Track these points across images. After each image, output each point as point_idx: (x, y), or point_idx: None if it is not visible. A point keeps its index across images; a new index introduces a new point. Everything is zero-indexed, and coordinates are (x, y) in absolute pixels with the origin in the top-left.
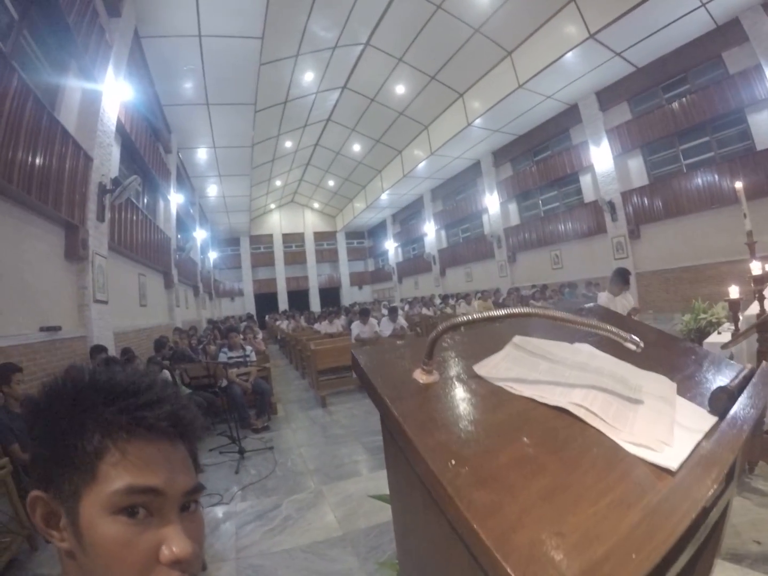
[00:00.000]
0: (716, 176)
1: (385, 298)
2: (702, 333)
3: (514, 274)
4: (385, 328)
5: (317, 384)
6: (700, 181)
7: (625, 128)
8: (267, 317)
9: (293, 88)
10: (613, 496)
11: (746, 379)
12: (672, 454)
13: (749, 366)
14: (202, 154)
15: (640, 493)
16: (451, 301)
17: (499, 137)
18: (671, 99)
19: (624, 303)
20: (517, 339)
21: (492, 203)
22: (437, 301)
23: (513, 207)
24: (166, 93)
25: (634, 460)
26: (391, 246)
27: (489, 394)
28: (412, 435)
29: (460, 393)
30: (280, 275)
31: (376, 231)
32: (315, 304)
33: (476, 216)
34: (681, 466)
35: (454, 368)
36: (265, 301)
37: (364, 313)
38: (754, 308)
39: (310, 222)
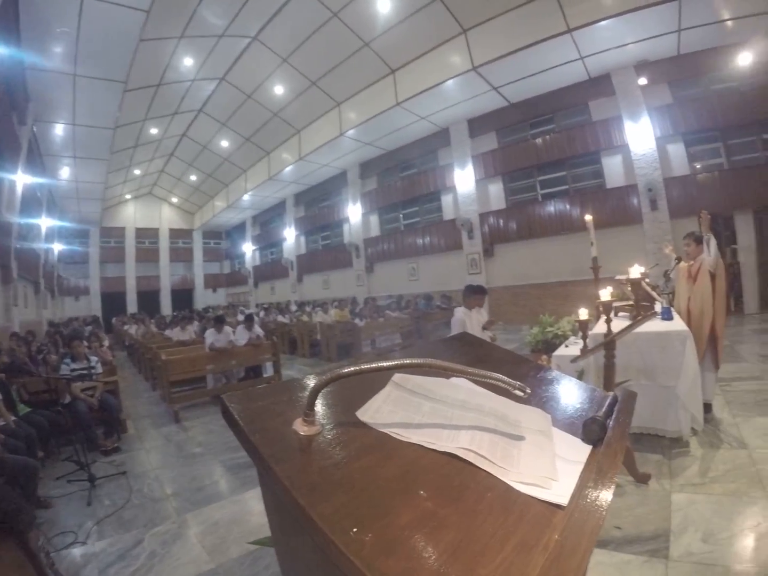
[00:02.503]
0: (568, 207)
1: (240, 303)
2: (549, 345)
3: (371, 283)
4: (241, 336)
5: (170, 397)
6: (553, 209)
7: (491, 156)
8: (114, 320)
9: (169, 72)
10: (515, 540)
11: (611, 406)
12: (560, 490)
13: (611, 393)
14: (59, 131)
15: (539, 533)
16: (308, 309)
17: (369, 150)
18: (536, 135)
19: (478, 317)
20: (397, 377)
21: (354, 213)
22: (293, 308)
23: (374, 219)
24: (32, 53)
25: (527, 500)
26: (249, 249)
27: (376, 444)
28: (305, 503)
29: (346, 445)
30: (131, 273)
31: (235, 232)
32: (166, 307)
33: (338, 224)
34: (570, 500)
35: (336, 415)
36: (113, 301)
37: (218, 321)
38: (600, 327)
39: (166, 217)
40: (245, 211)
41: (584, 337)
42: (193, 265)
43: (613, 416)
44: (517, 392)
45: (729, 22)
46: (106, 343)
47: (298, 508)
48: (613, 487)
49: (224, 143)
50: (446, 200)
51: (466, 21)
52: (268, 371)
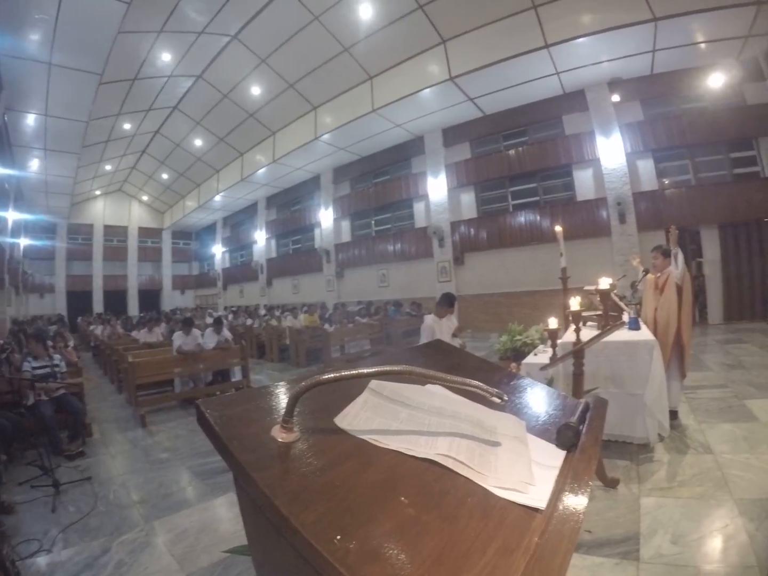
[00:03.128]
0: (538, 218)
1: (208, 305)
2: (518, 353)
3: (341, 289)
4: (209, 339)
5: (136, 401)
6: (523, 220)
7: (464, 165)
8: (80, 320)
9: (146, 66)
10: (497, 543)
11: (584, 413)
12: (537, 494)
13: (584, 400)
14: (30, 121)
15: (519, 536)
16: (277, 313)
17: (343, 155)
18: (509, 146)
19: (449, 324)
20: (374, 384)
21: (326, 218)
22: (262, 311)
23: (346, 224)
24: (7, 39)
25: (506, 504)
26: (218, 250)
27: (356, 450)
28: (287, 512)
29: (325, 452)
30: (98, 272)
31: (205, 233)
32: (133, 307)
33: (309, 229)
34: (548, 504)
35: (314, 422)
36: (79, 300)
37: (187, 323)
38: (569, 336)
39: (136, 215)
40: (216, 212)
41: (553, 346)
42: (162, 265)
43: (586, 422)
44: (495, 399)
45: (702, 45)
46: (72, 343)
47: (280, 517)
48: (589, 491)
49: (198, 142)
50: (418, 208)
51: (446, 31)
52: (237, 376)
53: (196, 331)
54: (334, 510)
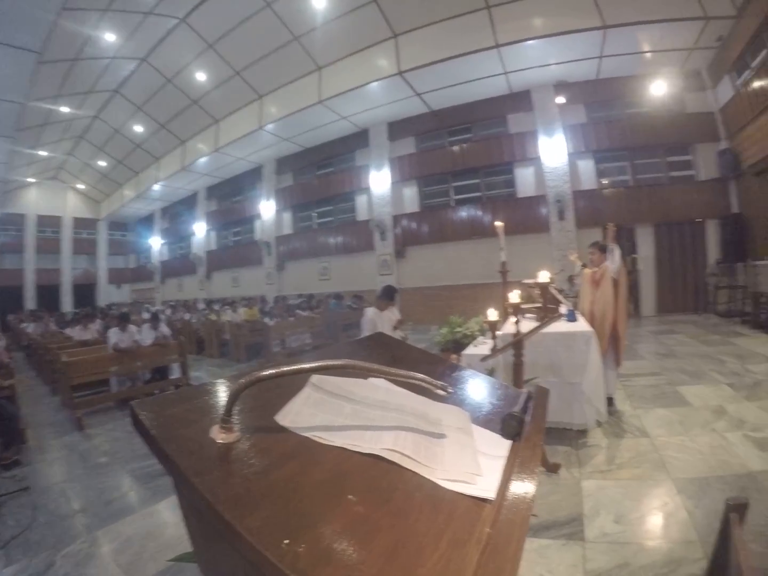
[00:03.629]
0: (480, 213)
1: (145, 300)
2: (458, 344)
3: (281, 282)
4: (146, 335)
5: (71, 402)
6: (465, 214)
7: (408, 160)
8: (10, 317)
9: (89, 47)
10: (449, 536)
11: (526, 402)
12: (485, 485)
13: (526, 390)
14: None
15: (470, 527)
16: (216, 307)
17: (287, 146)
18: (454, 142)
19: (390, 317)
20: (315, 379)
21: (267, 210)
22: (201, 306)
23: (288, 216)
24: None
25: (455, 496)
26: (156, 242)
27: (299, 449)
28: (230, 518)
29: (268, 452)
30: (30, 265)
31: (143, 224)
32: (67, 303)
33: (250, 221)
34: (497, 494)
35: (254, 420)
36: (9, 296)
37: (123, 318)
38: (508, 327)
39: (71, 205)
40: (155, 202)
41: (494, 337)
42: (97, 258)
43: (529, 411)
44: (440, 391)
45: (648, 54)
46: (2, 342)
47: (224, 523)
48: (536, 478)
49: (138, 128)
50: (361, 201)
51: (399, 26)
52: (175, 373)
53: (132, 327)
54: (280, 512)
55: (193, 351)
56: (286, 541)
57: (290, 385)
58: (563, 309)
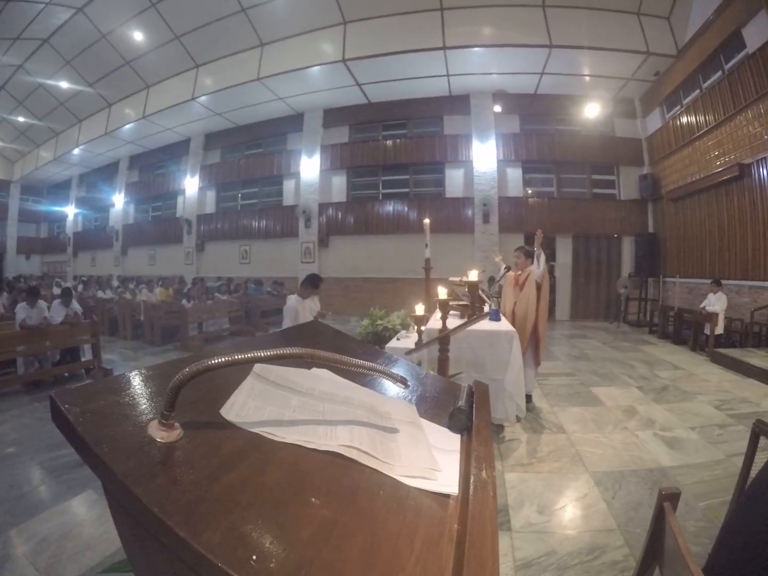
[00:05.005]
0: (407, 209)
1: (56, 273)
2: (378, 337)
3: (200, 263)
4: (57, 312)
5: None
6: (392, 209)
7: (340, 149)
8: None
9: None
10: (421, 535)
11: (470, 396)
12: (446, 480)
13: (467, 384)
14: None
15: (440, 524)
16: (131, 286)
17: (218, 121)
18: (388, 137)
19: (312, 306)
20: (258, 368)
21: (191, 186)
22: (115, 283)
23: (212, 194)
24: None
25: (417, 493)
26: (71, 211)
27: (250, 447)
28: (185, 534)
29: (216, 451)
30: None
31: (58, 191)
32: None
33: (172, 196)
34: (460, 489)
35: (195, 414)
36: None
37: (32, 293)
38: (433, 323)
39: None
40: (73, 167)
41: (419, 332)
42: (7, 224)
43: (475, 405)
44: (399, 385)
45: (587, 78)
46: None
47: (177, 541)
48: (495, 472)
49: (64, 84)
50: (288, 185)
51: (350, 13)
52: (87, 355)
53: (42, 303)
54: (239, 523)
55: (106, 332)
56: (254, 557)
57: (229, 375)
58: (487, 308)
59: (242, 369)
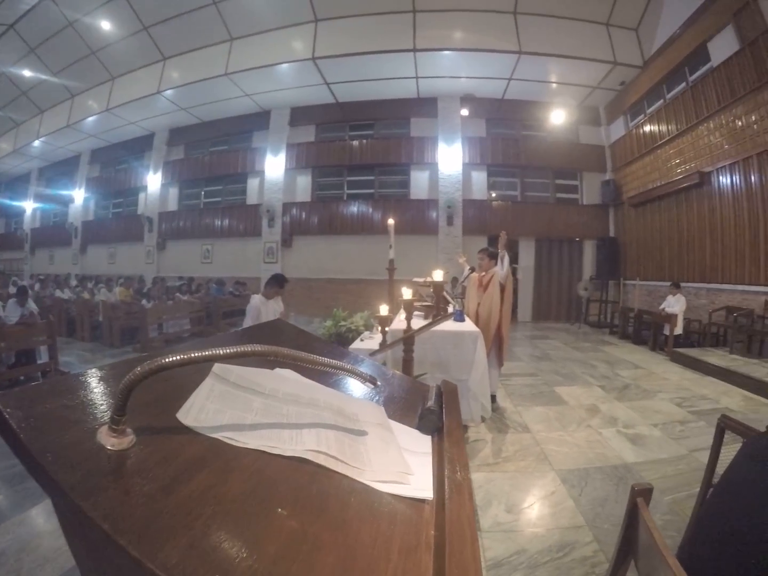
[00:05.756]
0: (371, 210)
1: (12, 271)
2: (342, 338)
3: (161, 262)
4: (12, 312)
5: None
6: (356, 210)
7: (305, 148)
8: None
9: None
10: (397, 544)
11: (439, 396)
12: (419, 484)
13: (435, 384)
14: None
15: (416, 531)
16: (90, 285)
17: (183, 116)
18: (354, 137)
19: (275, 307)
20: (217, 368)
21: (153, 182)
22: (73, 282)
23: (174, 191)
24: None
25: (390, 499)
26: (30, 207)
27: (209, 454)
28: (139, 554)
29: (172, 459)
30: None
31: (16, 184)
32: None
33: (133, 192)
34: (435, 493)
35: (149, 418)
36: None
37: None
38: (397, 323)
39: None
40: (33, 160)
41: (383, 332)
42: None
43: (445, 405)
44: (369, 384)
45: (554, 85)
46: None
47: (132, 561)
48: (470, 474)
49: (27, 73)
50: (252, 184)
51: (322, 11)
52: (43, 357)
53: None
54: (200, 539)
55: (63, 333)
56: None
57: (186, 375)
58: (451, 309)
59: (200, 369)
